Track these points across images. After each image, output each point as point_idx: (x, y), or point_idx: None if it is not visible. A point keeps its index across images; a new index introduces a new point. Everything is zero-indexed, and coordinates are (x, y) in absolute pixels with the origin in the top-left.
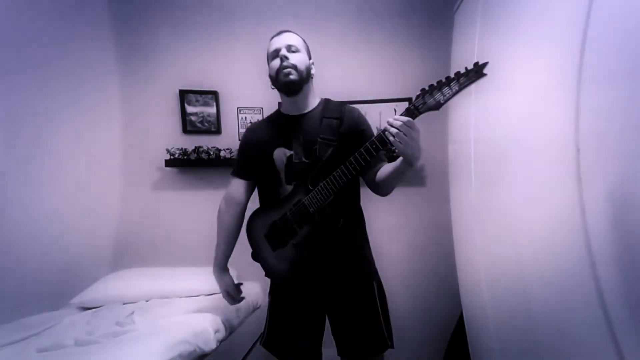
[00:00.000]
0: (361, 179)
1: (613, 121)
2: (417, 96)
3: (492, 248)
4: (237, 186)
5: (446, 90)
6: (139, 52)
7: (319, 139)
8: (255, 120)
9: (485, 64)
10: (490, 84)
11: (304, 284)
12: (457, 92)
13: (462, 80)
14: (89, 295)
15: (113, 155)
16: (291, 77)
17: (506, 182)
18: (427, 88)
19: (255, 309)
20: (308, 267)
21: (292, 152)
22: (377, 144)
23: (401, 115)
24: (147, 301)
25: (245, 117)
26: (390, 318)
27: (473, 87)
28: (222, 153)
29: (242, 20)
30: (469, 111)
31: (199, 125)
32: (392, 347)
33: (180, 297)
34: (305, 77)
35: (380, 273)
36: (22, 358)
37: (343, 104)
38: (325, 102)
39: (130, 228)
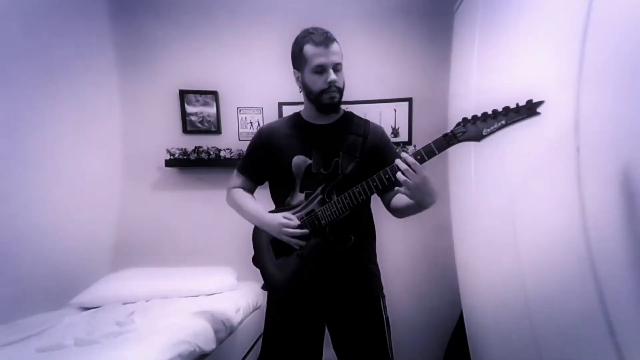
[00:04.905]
0: None
1: (613, 121)
2: (458, 124)
3: (492, 248)
4: (241, 183)
5: (491, 122)
6: (139, 53)
7: (341, 153)
8: (256, 120)
9: (540, 103)
10: (490, 84)
11: (304, 297)
12: (503, 126)
13: (511, 115)
14: (89, 295)
15: (113, 155)
16: (335, 100)
17: (506, 182)
18: (469, 117)
19: (255, 309)
20: (310, 280)
21: (311, 162)
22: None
23: (435, 140)
24: (147, 301)
25: (245, 117)
26: (390, 320)
27: (473, 86)
28: (222, 153)
29: (243, 20)
30: (469, 111)
31: (199, 125)
32: None
33: (180, 297)
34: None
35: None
36: (22, 358)
37: (368, 121)
38: (350, 116)
39: (130, 228)
